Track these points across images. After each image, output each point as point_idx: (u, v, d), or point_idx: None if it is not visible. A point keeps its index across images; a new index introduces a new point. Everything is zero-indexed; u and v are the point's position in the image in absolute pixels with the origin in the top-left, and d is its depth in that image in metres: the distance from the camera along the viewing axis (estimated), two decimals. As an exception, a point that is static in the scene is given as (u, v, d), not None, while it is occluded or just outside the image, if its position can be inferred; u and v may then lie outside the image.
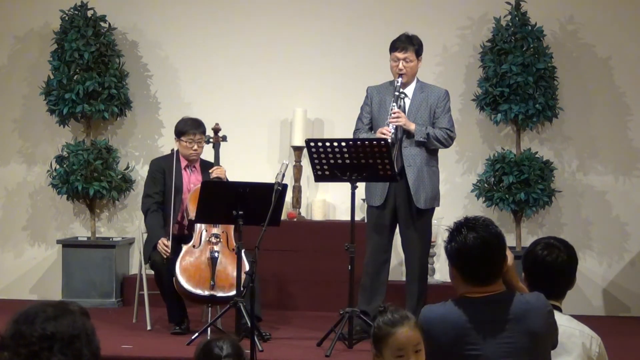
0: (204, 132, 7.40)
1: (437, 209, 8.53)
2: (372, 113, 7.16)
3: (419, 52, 7.14)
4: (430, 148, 7.06)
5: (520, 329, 3.59)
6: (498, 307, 3.62)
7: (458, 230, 3.68)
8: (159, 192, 7.35)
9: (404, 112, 7.06)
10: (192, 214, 7.14)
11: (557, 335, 3.76)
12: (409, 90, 7.14)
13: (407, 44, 7.10)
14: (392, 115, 6.95)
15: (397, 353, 3.59)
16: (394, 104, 7.01)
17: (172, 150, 7.48)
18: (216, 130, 7.43)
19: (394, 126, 6.94)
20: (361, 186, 6.98)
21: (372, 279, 7.03)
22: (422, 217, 7.08)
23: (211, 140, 7.42)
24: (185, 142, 7.36)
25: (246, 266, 6.72)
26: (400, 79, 7.05)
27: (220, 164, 7.53)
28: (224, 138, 7.43)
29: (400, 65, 7.07)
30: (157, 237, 7.19)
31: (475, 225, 3.67)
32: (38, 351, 2.60)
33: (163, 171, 7.38)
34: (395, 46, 7.13)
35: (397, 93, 7.05)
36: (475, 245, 3.62)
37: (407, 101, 7.13)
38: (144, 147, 8.98)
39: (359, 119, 7.23)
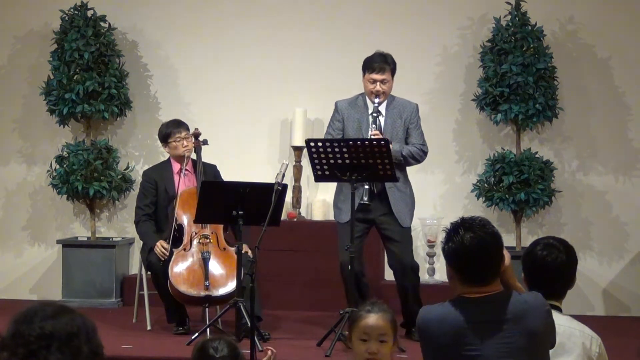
0: (187, 128, 7.51)
1: (437, 209, 8.57)
2: (345, 130, 7.13)
3: (394, 72, 7.11)
4: (405, 165, 7.10)
5: (518, 329, 3.57)
6: (496, 307, 3.60)
7: (455, 230, 3.67)
8: (148, 204, 7.45)
9: (380, 130, 7.05)
10: (180, 219, 7.21)
11: (555, 335, 3.76)
12: (382, 107, 7.12)
13: (384, 64, 7.05)
14: (372, 136, 6.93)
15: (362, 336, 3.78)
16: (373, 125, 7.00)
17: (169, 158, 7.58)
18: (196, 134, 7.48)
19: None
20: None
21: (357, 286, 7.01)
22: (407, 231, 7.14)
23: (193, 144, 7.47)
24: (174, 142, 7.43)
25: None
26: (377, 100, 7.03)
27: (216, 163, 7.62)
28: (205, 142, 7.47)
29: (378, 87, 7.03)
30: (152, 241, 7.22)
31: (472, 225, 3.66)
32: (36, 350, 2.60)
33: (154, 182, 7.46)
34: (371, 67, 7.06)
35: (375, 114, 7.03)
36: (472, 245, 3.61)
37: (382, 119, 7.12)
38: (144, 147, 8.99)
39: (329, 134, 7.16)
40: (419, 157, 7.14)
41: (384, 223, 7.09)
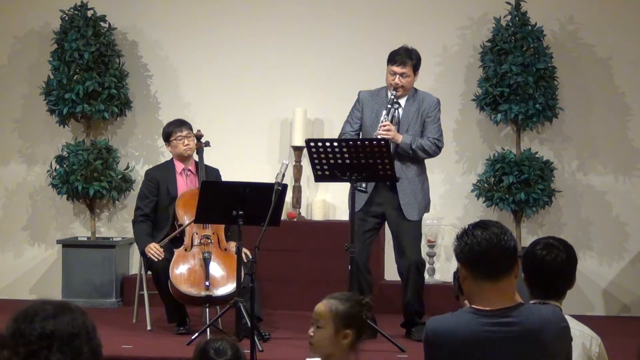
0: (190, 127, 7.51)
1: (437, 209, 8.56)
2: (363, 120, 7.15)
3: (416, 67, 7.11)
4: (417, 158, 7.10)
5: (534, 346, 3.42)
6: (511, 322, 3.44)
7: (468, 230, 3.50)
8: (147, 204, 7.44)
9: (398, 122, 7.05)
10: (182, 219, 7.21)
11: (571, 352, 3.60)
12: (402, 99, 7.12)
13: (406, 57, 7.06)
14: (382, 127, 6.94)
15: (311, 320, 3.94)
16: (386, 115, 7.00)
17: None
18: (199, 136, 7.49)
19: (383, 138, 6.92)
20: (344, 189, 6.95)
21: (359, 280, 6.99)
22: (415, 224, 7.12)
23: (195, 145, 7.47)
24: (176, 140, 7.44)
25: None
26: (395, 92, 7.03)
27: (218, 165, 7.63)
28: (207, 143, 7.50)
29: (397, 80, 7.03)
30: (142, 244, 7.28)
31: (485, 224, 3.51)
32: (37, 350, 2.60)
33: (157, 182, 7.46)
34: (394, 59, 7.08)
35: (389, 106, 7.02)
36: (485, 238, 3.45)
37: (401, 111, 7.12)
38: (144, 147, 8.99)
39: (348, 122, 7.20)
40: (432, 150, 7.10)
41: (391, 217, 7.09)
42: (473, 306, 3.47)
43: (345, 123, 7.25)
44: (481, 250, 3.43)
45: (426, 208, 7.21)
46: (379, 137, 6.88)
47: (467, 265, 3.48)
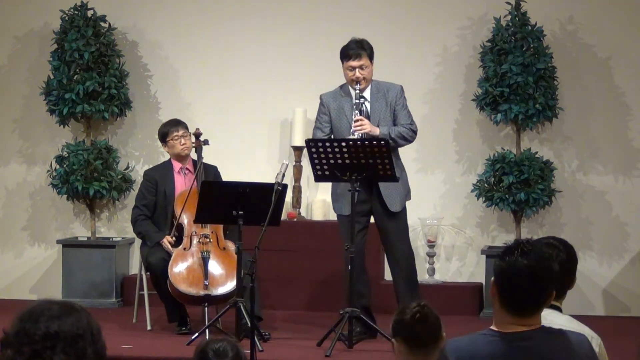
0: (186, 127, 7.52)
1: (437, 209, 8.56)
2: (333, 121, 7.14)
3: (371, 56, 7.10)
4: (396, 147, 7.07)
5: None
6: (534, 346, 3.32)
7: (511, 250, 3.38)
8: (147, 204, 7.44)
9: (367, 116, 7.05)
10: (180, 219, 7.24)
11: None
12: (367, 93, 7.12)
13: (359, 50, 7.05)
14: (356, 123, 6.93)
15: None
16: (356, 111, 6.99)
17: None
18: (197, 134, 7.49)
19: (360, 134, 6.91)
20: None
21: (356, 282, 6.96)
22: (399, 216, 7.10)
23: (193, 144, 7.47)
24: (172, 140, 7.45)
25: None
26: (358, 86, 7.02)
27: (217, 164, 7.64)
28: (206, 142, 7.48)
29: (357, 74, 7.03)
30: (155, 238, 7.24)
31: (530, 250, 3.38)
32: (40, 350, 2.60)
33: (155, 182, 7.46)
34: (347, 55, 7.07)
35: (357, 101, 7.02)
36: (521, 270, 3.32)
37: (368, 104, 7.11)
38: (144, 147, 8.99)
39: (318, 129, 7.17)
40: (409, 136, 7.11)
41: (376, 211, 7.08)
42: (493, 328, 3.37)
43: (315, 130, 7.21)
44: (512, 286, 3.33)
45: (407, 196, 7.18)
46: (355, 134, 6.88)
47: (498, 288, 3.37)
